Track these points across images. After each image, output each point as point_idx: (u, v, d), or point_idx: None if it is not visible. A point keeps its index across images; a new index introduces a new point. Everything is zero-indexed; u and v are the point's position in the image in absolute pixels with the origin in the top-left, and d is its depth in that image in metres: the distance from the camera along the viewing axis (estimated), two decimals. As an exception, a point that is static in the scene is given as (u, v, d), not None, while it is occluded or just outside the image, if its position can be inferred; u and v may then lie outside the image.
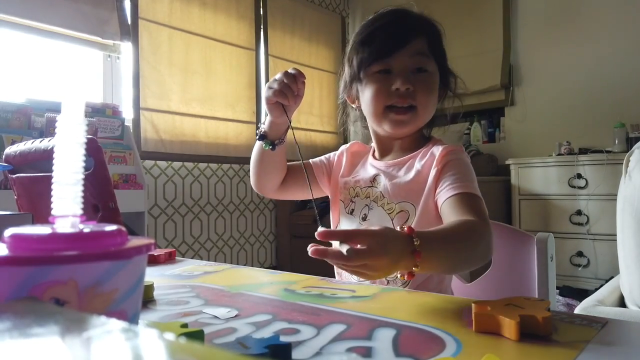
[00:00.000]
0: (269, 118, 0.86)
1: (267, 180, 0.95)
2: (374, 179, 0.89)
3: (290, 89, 0.79)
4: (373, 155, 0.95)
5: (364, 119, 0.94)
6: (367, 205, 0.87)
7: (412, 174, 0.85)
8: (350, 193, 0.91)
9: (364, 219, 0.87)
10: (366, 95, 0.85)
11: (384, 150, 0.93)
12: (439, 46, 0.88)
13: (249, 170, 0.99)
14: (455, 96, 0.93)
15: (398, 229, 0.56)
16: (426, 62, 0.84)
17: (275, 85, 0.79)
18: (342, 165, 0.97)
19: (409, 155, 0.89)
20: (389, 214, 0.84)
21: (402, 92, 0.81)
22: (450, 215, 0.75)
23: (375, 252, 0.49)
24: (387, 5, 0.89)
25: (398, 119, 0.83)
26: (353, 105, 0.95)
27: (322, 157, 1.02)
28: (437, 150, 0.85)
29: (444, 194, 0.78)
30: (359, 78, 0.86)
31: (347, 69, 0.92)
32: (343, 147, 1.01)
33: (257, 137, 0.89)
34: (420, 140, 0.92)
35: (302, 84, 0.81)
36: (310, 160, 1.02)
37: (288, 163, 0.97)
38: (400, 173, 0.87)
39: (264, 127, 0.88)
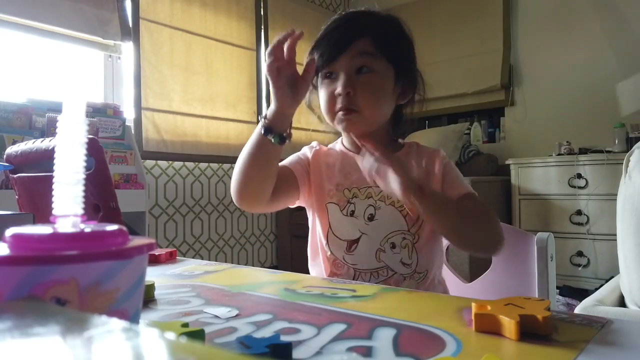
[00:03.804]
0: (273, 107, 0.76)
1: (264, 186, 0.82)
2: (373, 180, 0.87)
3: (275, 52, 0.72)
4: (350, 150, 0.92)
5: None
6: (371, 205, 0.86)
7: (415, 170, 0.86)
8: (346, 194, 0.87)
9: (371, 218, 0.85)
10: (320, 99, 0.87)
11: (360, 149, 0.89)
12: (391, 44, 0.84)
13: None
14: (421, 99, 0.89)
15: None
16: (370, 62, 0.81)
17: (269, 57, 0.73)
18: (321, 168, 0.91)
19: (398, 153, 0.89)
20: (400, 211, 0.85)
21: (343, 97, 0.80)
22: None
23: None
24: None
25: (345, 118, 0.82)
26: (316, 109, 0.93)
27: (296, 158, 0.93)
28: (433, 151, 0.90)
29: (450, 194, 0.83)
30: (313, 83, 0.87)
31: None
32: (311, 149, 0.95)
33: (262, 131, 0.76)
34: (393, 143, 0.91)
35: (289, 50, 0.73)
36: (287, 164, 0.91)
37: None
38: None
39: (266, 120, 0.77)
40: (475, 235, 0.79)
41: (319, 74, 0.86)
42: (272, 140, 0.76)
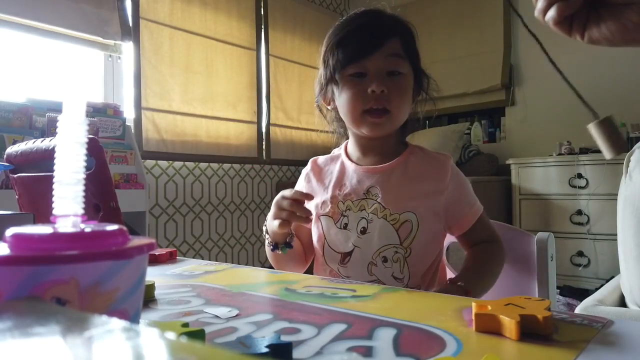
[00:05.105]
0: (273, 228, 0.81)
1: (299, 269, 0.93)
2: (367, 191, 0.86)
3: (297, 214, 0.77)
4: (349, 159, 0.92)
5: (340, 120, 0.92)
6: (364, 218, 0.85)
7: (411, 183, 0.85)
8: (339, 207, 0.87)
9: (363, 232, 0.84)
10: (343, 98, 0.85)
11: (365, 151, 0.91)
12: (413, 47, 0.87)
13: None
14: (430, 98, 0.93)
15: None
16: (400, 64, 0.84)
17: (284, 215, 0.78)
18: (312, 184, 0.94)
19: (396, 160, 0.88)
20: (392, 224, 0.83)
21: (377, 95, 0.80)
22: (472, 238, 0.88)
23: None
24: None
25: (374, 121, 0.83)
26: (328, 107, 0.93)
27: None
28: (443, 159, 0.88)
29: (464, 220, 0.87)
30: (334, 80, 0.85)
31: (322, 71, 0.90)
32: (304, 173, 0.97)
33: (271, 249, 0.85)
34: (399, 144, 0.92)
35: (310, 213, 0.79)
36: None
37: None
38: (394, 181, 0.86)
39: (268, 237, 0.85)
40: (495, 279, 0.85)
41: (339, 72, 0.84)
42: (282, 252, 0.84)
